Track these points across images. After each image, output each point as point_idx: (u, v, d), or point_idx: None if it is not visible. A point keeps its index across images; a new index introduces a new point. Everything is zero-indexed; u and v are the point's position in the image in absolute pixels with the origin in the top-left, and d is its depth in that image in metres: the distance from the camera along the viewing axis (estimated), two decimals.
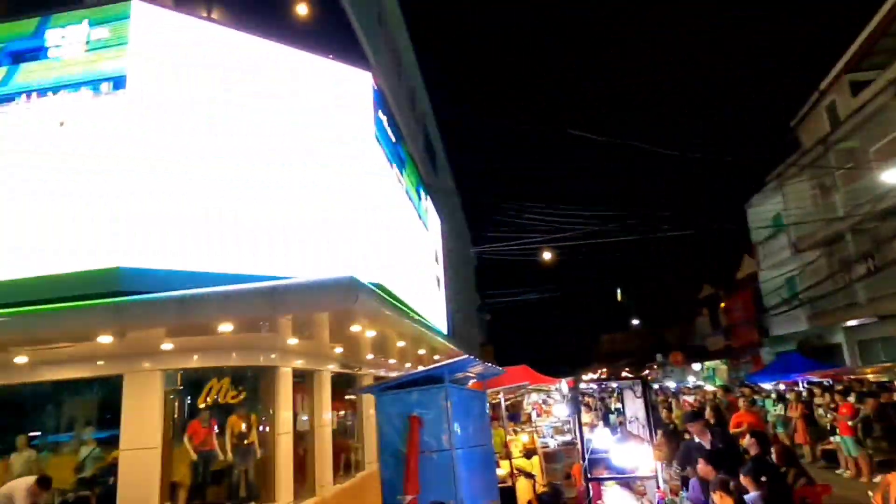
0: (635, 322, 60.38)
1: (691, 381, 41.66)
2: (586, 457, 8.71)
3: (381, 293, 9.09)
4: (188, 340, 8.95)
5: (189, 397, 9.77)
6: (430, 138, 28.73)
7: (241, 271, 8.97)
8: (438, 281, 20.78)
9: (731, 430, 13.06)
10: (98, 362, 9.02)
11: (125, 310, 7.32)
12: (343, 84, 11.38)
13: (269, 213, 9.75)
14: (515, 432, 16.01)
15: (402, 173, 14.75)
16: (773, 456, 6.69)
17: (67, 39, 9.21)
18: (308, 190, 10.25)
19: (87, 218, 8.44)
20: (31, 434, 9.54)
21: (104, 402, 9.49)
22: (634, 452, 8.54)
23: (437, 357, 16.80)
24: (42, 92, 9.02)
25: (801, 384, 20.37)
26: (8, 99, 9.07)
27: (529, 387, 20.06)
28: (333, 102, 11.05)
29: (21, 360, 8.59)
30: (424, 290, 17.03)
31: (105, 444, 9.22)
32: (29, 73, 9.18)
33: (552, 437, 14.90)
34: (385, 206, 12.21)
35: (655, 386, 34.93)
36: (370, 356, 13.56)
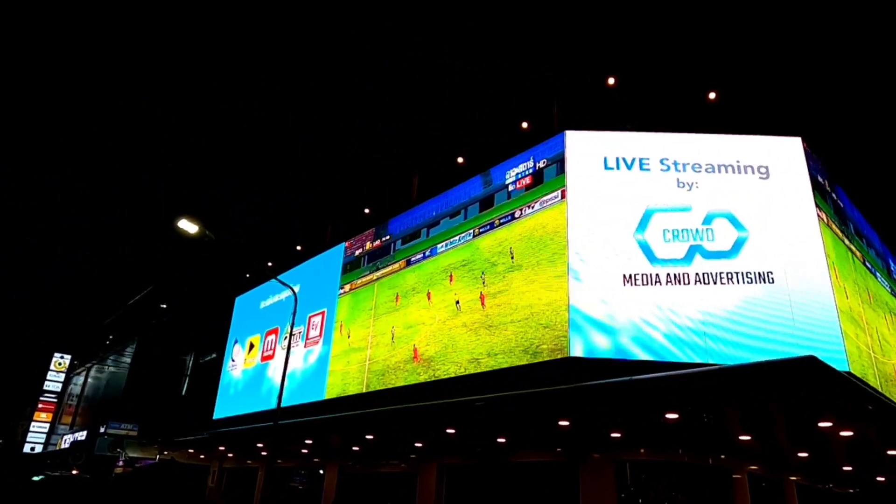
0: None
1: None
2: None
3: (854, 380, 7.50)
4: (634, 431, 9.05)
5: (640, 496, 9.73)
6: None
7: (683, 359, 8.78)
8: None
9: None
10: (557, 449, 9.97)
11: (571, 393, 7.99)
12: (771, 156, 10.61)
13: (712, 303, 9.36)
14: None
15: (852, 240, 12.31)
16: None
17: (519, 175, 11.46)
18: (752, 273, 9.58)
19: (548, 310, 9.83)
20: None
21: (561, 487, 10.29)
22: None
23: None
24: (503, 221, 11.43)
25: None
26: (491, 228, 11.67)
27: None
28: (761, 177, 10.36)
29: (501, 440, 10.19)
30: None
31: None
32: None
33: None
34: (836, 279, 10.30)
35: None
36: (847, 468, 11.07)
